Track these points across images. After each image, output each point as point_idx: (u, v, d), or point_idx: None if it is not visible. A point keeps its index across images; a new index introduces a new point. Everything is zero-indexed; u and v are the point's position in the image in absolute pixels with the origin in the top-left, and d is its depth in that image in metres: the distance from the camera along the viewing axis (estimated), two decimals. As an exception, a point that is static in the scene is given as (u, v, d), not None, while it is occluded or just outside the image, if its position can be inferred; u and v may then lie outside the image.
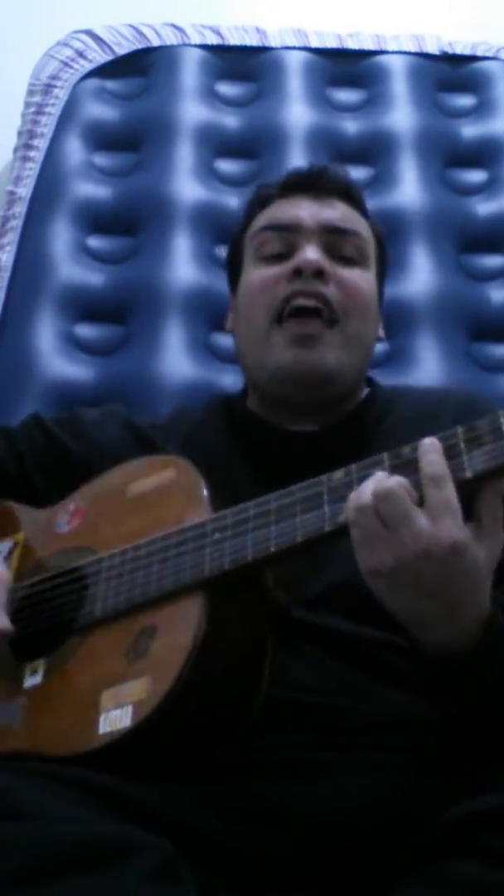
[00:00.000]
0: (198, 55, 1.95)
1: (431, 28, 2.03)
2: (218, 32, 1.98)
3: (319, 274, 1.03)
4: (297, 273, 1.03)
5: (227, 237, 1.27)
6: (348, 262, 1.07)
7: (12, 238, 1.67)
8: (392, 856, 0.72)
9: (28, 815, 0.65)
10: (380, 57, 1.97)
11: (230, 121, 1.90)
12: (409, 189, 1.76)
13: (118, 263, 1.68)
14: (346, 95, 1.96)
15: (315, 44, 1.99)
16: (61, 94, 1.86)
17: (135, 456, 1.01)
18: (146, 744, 0.75)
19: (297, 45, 1.98)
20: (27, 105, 1.85)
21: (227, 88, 1.95)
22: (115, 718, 0.76)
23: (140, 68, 1.93)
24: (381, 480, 0.74)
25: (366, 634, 0.86)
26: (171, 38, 1.96)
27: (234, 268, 1.16)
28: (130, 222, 1.72)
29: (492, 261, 1.71)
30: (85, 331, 1.61)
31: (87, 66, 1.91)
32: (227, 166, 1.84)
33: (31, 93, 1.86)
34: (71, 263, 1.65)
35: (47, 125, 1.81)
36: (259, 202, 1.14)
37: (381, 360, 1.52)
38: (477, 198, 1.79)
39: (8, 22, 2.10)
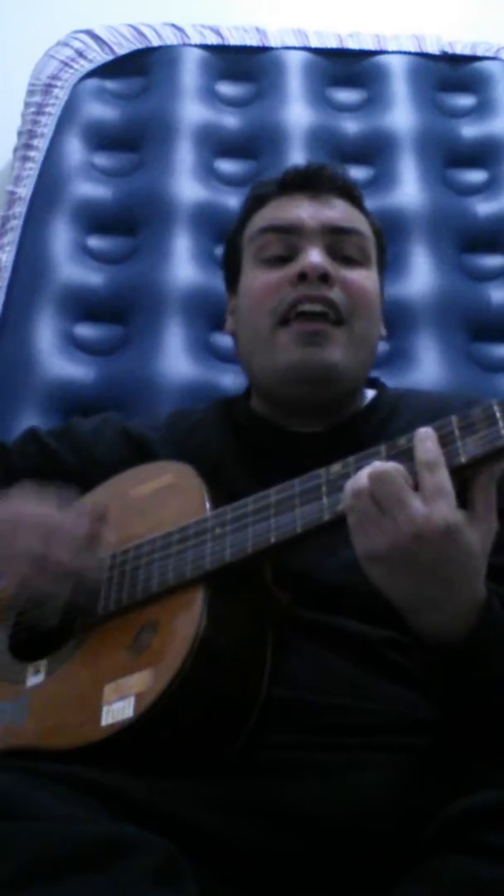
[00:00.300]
0: (198, 55, 1.95)
1: (431, 28, 2.03)
2: (218, 32, 1.98)
3: (324, 278, 1.02)
4: (302, 277, 1.02)
5: (226, 237, 1.27)
6: (351, 262, 1.06)
7: (12, 238, 1.67)
8: (395, 855, 0.72)
9: (28, 815, 0.65)
10: (380, 57, 1.97)
11: (230, 121, 1.90)
12: (409, 189, 1.76)
13: (118, 263, 1.69)
14: (346, 95, 1.96)
15: (315, 44, 1.99)
16: (61, 94, 1.86)
17: (131, 465, 1.01)
18: (149, 735, 0.76)
19: (297, 45, 1.98)
20: (27, 105, 1.85)
21: (227, 88, 1.95)
22: (118, 710, 0.76)
23: (140, 68, 1.93)
24: (377, 465, 0.75)
25: (370, 633, 0.86)
26: (171, 38, 1.96)
27: (231, 268, 1.15)
28: (130, 222, 1.72)
29: (492, 261, 1.71)
30: (85, 331, 1.61)
31: (87, 66, 1.91)
32: (227, 166, 1.84)
33: (31, 93, 1.87)
34: (71, 263, 1.65)
35: (47, 125, 1.82)
36: (256, 200, 1.13)
37: (382, 360, 1.51)
38: (477, 198, 1.79)
39: (8, 22, 2.10)
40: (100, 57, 1.93)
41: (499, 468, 0.75)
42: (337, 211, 1.08)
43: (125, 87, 1.92)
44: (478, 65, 1.98)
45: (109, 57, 1.93)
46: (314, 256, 1.03)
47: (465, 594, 0.75)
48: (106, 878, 0.61)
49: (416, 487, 0.73)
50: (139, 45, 1.95)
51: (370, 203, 1.17)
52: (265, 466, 0.99)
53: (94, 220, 1.73)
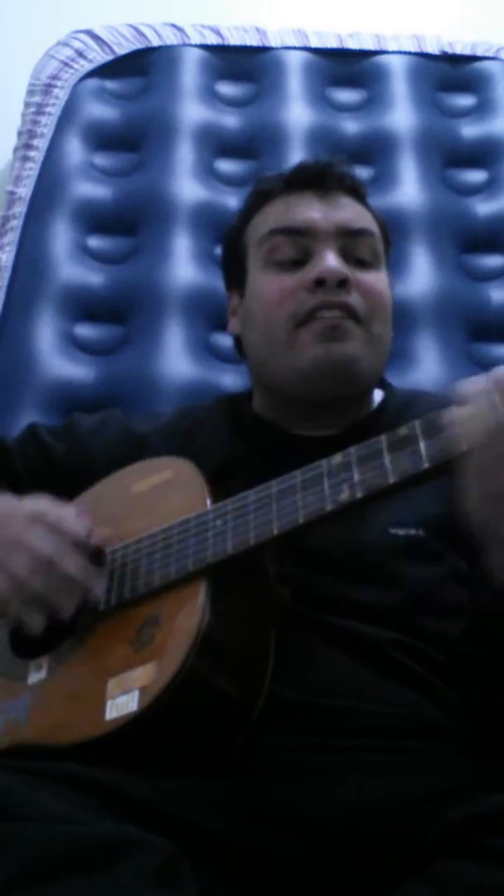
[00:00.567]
0: (198, 55, 1.95)
1: (431, 28, 2.03)
2: (218, 32, 1.98)
3: (343, 283, 0.99)
4: (320, 283, 0.99)
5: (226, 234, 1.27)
6: (364, 264, 1.04)
7: (12, 238, 1.67)
8: (395, 856, 0.72)
9: (28, 816, 0.65)
10: (380, 57, 1.98)
11: (230, 121, 1.90)
12: (409, 189, 1.76)
13: (118, 263, 1.69)
14: (346, 95, 1.96)
15: (315, 44, 1.99)
16: (61, 94, 1.86)
17: (131, 462, 1.01)
18: (153, 729, 0.75)
19: (297, 45, 1.98)
20: (27, 105, 1.85)
21: (227, 88, 1.95)
22: (122, 704, 0.76)
23: (140, 68, 1.94)
24: None
25: (377, 635, 0.86)
26: (171, 38, 1.96)
27: (233, 266, 1.12)
28: (130, 222, 1.72)
29: (492, 261, 1.71)
30: (85, 331, 1.61)
31: (87, 66, 1.91)
32: (227, 166, 1.84)
33: (31, 93, 1.87)
34: (71, 263, 1.65)
35: (47, 125, 1.82)
36: (261, 197, 1.10)
37: (381, 360, 1.52)
38: (477, 198, 1.79)
39: (8, 22, 2.10)
40: (100, 57, 1.93)
41: None
42: (348, 211, 1.06)
43: (125, 87, 1.92)
44: (478, 65, 1.98)
45: (109, 57, 1.93)
46: (331, 261, 1.00)
47: None
48: (106, 879, 0.61)
49: None
50: (139, 45, 1.95)
51: (370, 203, 1.16)
52: (269, 467, 0.98)
53: (94, 220, 1.73)
